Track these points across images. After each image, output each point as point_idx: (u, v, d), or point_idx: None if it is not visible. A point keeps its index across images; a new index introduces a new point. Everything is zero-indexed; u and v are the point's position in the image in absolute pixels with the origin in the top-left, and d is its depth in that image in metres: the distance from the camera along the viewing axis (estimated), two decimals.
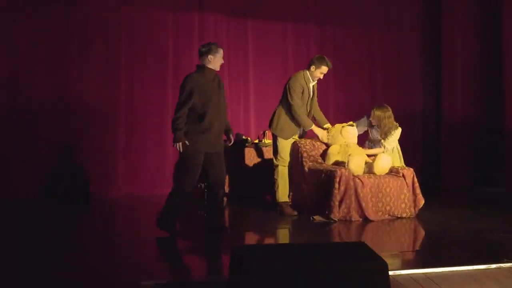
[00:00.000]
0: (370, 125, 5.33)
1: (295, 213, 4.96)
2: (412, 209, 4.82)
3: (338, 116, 7.46)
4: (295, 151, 5.09)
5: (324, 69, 5.05)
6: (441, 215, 5.09)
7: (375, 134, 5.30)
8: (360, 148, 5.11)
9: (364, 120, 5.38)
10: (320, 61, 5.03)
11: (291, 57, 7.56)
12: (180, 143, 3.80)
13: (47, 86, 6.36)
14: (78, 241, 4.16)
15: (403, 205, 4.77)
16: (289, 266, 2.01)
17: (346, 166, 4.64)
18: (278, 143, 5.08)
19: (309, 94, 5.15)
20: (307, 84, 5.09)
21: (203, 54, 3.99)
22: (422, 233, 4.59)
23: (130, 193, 6.61)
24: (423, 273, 2.84)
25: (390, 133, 5.16)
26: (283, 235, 4.59)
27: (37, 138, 6.30)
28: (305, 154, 5.01)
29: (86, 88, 6.55)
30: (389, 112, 5.18)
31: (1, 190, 5.88)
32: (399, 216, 4.75)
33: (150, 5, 6.88)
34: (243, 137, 6.45)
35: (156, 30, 6.86)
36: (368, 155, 5.03)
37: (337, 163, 4.89)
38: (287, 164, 5.10)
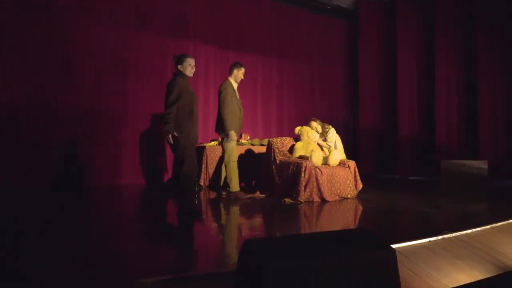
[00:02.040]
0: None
1: (248, 195, 4.35)
2: (354, 191, 4.42)
3: (290, 123, 7.18)
4: (269, 147, 4.56)
5: (243, 69, 4.36)
6: (373, 195, 4.70)
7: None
8: (318, 146, 4.65)
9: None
10: (239, 65, 4.37)
11: (259, 79, 7.28)
12: (170, 135, 3.14)
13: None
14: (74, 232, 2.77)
15: (348, 189, 4.36)
16: (302, 258, 1.44)
17: (309, 159, 4.16)
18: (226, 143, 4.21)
19: (237, 97, 4.36)
20: (234, 89, 4.36)
21: (175, 64, 3.34)
22: (369, 210, 4.10)
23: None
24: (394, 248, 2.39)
25: (327, 133, 4.78)
26: (268, 215, 3.98)
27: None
28: (276, 150, 4.49)
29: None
30: (319, 121, 4.81)
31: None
32: (345, 197, 4.34)
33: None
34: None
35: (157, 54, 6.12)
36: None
37: (301, 157, 4.41)
38: (236, 159, 4.33)
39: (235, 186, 4.30)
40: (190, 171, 3.26)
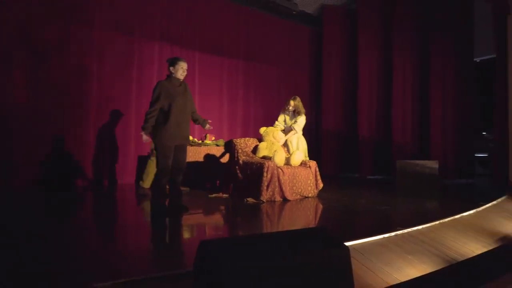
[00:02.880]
0: (286, 114, 4.93)
1: (213, 195, 4.38)
2: (315, 190, 4.50)
3: (256, 124, 7.20)
4: (232, 148, 4.53)
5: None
6: (333, 194, 4.81)
7: (288, 122, 4.89)
8: (281, 146, 4.68)
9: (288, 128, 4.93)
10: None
11: (225, 81, 7.20)
12: (143, 132, 3.19)
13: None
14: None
15: (309, 188, 4.43)
16: (258, 258, 1.44)
17: (272, 159, 4.18)
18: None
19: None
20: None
21: (168, 65, 3.36)
22: (329, 209, 4.18)
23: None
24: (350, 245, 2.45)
25: (300, 115, 4.81)
26: (230, 215, 3.95)
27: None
28: (240, 150, 4.46)
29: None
30: (299, 99, 4.90)
31: None
32: (306, 196, 4.40)
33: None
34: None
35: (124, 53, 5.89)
36: (286, 153, 4.64)
37: (264, 157, 4.42)
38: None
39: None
40: (160, 171, 3.26)
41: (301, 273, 1.48)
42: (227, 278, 1.31)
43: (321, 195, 4.60)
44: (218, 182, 5.37)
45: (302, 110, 4.82)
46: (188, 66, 6.47)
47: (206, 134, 5.68)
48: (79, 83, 5.31)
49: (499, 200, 4.40)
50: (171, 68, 3.34)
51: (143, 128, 3.19)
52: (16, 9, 4.81)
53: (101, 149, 5.49)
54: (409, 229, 2.86)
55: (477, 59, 7.54)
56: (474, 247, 2.81)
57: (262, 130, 4.66)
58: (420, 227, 2.96)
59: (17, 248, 2.24)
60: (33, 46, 4.93)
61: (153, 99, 3.22)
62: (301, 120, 4.81)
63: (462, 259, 2.52)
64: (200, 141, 5.62)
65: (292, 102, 4.79)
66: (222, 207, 3.90)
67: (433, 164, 5.68)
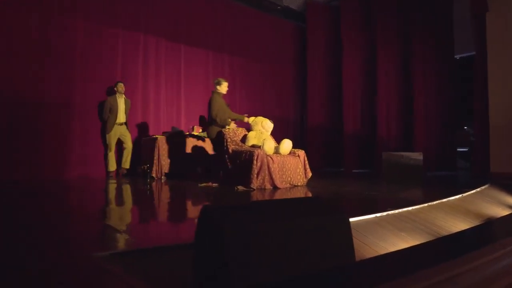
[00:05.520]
0: None
1: (203, 184, 4.39)
2: (304, 179, 4.49)
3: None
4: (221, 137, 4.48)
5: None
6: (321, 183, 4.82)
7: None
8: (271, 136, 4.66)
9: None
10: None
11: (211, 74, 7.13)
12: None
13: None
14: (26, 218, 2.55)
15: (298, 176, 4.42)
16: (263, 220, 1.41)
17: (261, 148, 4.16)
18: None
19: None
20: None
21: (215, 85, 4.67)
22: (319, 195, 4.17)
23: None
24: None
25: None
26: (220, 202, 3.90)
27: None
28: (229, 139, 4.41)
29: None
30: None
31: None
32: (296, 184, 4.39)
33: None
34: (179, 129, 5.79)
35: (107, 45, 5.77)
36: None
37: (254, 146, 4.39)
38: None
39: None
40: None
41: (305, 236, 1.45)
42: (229, 239, 1.27)
43: (309, 183, 4.60)
44: (206, 172, 5.34)
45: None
46: (174, 59, 6.52)
47: (193, 126, 5.63)
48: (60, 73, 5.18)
49: (482, 187, 4.50)
50: (217, 87, 4.59)
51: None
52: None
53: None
54: (400, 210, 2.89)
55: (458, 56, 7.74)
56: (462, 226, 2.86)
57: (251, 119, 4.63)
58: (410, 208, 2.99)
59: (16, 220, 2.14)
60: None
61: (213, 111, 4.50)
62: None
63: None
64: (187, 133, 5.56)
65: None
66: (213, 195, 3.85)
67: (418, 156, 5.78)
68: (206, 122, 4.81)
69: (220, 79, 4.71)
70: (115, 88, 5.46)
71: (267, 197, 3.75)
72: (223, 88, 4.65)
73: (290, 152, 4.51)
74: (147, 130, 6.10)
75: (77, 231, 2.12)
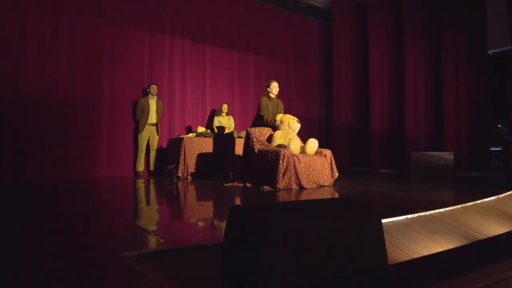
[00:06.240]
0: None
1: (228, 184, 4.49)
2: (330, 179, 4.43)
3: None
4: (247, 137, 4.51)
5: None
6: (348, 183, 4.75)
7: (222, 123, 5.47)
8: (297, 135, 4.64)
9: None
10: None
11: (236, 74, 7.22)
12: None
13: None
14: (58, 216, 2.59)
15: (325, 176, 4.37)
16: (293, 221, 1.40)
17: (287, 147, 4.15)
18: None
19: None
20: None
21: (266, 87, 4.75)
22: (347, 196, 4.14)
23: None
24: None
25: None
26: (247, 201, 3.92)
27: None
28: (254, 139, 4.43)
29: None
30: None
31: None
32: (322, 184, 4.35)
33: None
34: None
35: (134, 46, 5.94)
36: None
37: (280, 145, 4.38)
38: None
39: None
40: None
41: (337, 237, 1.44)
42: (261, 239, 1.27)
43: (336, 183, 4.55)
44: (232, 171, 5.37)
45: None
46: (199, 60, 6.61)
47: (197, 126, 5.89)
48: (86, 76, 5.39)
49: None
50: (268, 89, 4.65)
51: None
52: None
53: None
54: (432, 211, 2.80)
55: (491, 52, 7.42)
56: (498, 229, 2.74)
57: (279, 117, 4.61)
58: (442, 209, 2.90)
59: (42, 218, 2.23)
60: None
61: (261, 111, 4.58)
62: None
63: None
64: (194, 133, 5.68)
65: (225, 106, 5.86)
66: (239, 195, 3.87)
67: (448, 156, 5.58)
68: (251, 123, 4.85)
69: (270, 80, 4.84)
70: (148, 90, 5.66)
71: (293, 197, 3.74)
72: (272, 88, 4.70)
73: (316, 152, 4.47)
74: (173, 130, 6.22)
75: (105, 230, 2.17)
